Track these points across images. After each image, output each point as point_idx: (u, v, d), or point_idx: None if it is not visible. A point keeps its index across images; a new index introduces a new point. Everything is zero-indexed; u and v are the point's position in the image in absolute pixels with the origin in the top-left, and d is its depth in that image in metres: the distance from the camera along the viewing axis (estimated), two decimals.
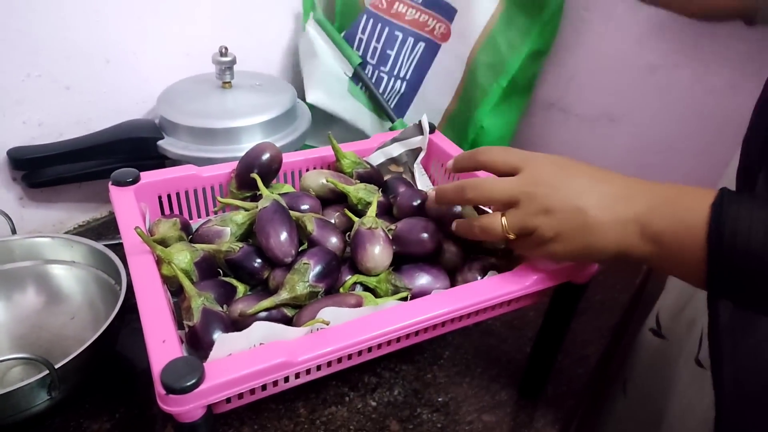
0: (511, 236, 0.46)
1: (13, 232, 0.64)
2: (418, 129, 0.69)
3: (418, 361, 0.65)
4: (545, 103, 0.96)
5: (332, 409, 0.59)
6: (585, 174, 0.45)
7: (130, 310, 0.56)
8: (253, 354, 0.40)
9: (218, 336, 0.40)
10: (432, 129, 0.70)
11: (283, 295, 0.48)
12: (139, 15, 0.78)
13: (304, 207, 0.58)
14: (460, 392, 0.62)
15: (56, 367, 0.48)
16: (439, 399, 0.61)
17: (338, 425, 0.57)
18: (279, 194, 0.57)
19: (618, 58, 0.85)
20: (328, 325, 0.43)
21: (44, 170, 0.73)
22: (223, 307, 0.48)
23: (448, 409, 0.60)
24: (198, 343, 0.44)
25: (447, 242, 0.56)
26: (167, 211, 0.61)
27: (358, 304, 0.48)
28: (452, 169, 0.53)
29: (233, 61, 0.78)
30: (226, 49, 0.76)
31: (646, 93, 0.85)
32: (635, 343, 0.78)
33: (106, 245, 0.63)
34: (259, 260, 0.53)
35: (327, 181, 0.61)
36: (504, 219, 0.46)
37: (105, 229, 0.81)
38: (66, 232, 0.79)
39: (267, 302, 0.48)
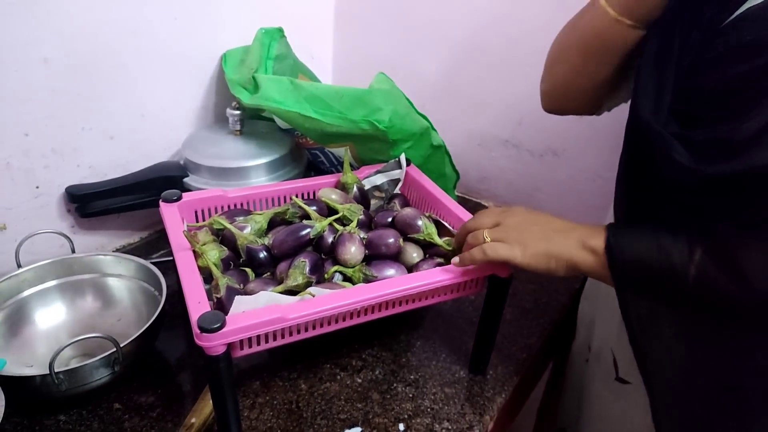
0: (488, 240, 0.63)
1: (72, 251, 0.81)
2: (398, 163, 0.88)
3: (395, 348, 0.81)
4: (500, 139, 1.15)
5: (327, 385, 0.75)
6: (541, 215, 0.66)
7: (168, 314, 0.74)
8: (259, 311, 0.57)
9: (236, 298, 0.57)
10: (408, 163, 0.88)
11: (289, 282, 0.66)
12: (166, 78, 0.96)
13: (313, 208, 0.76)
14: (428, 371, 0.78)
15: (121, 345, 0.64)
16: (411, 377, 0.77)
17: (332, 396, 0.73)
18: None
19: None
20: (313, 296, 0.60)
21: (92, 203, 0.90)
22: (240, 286, 0.65)
23: (418, 384, 0.76)
24: (223, 309, 0.61)
25: (409, 246, 0.74)
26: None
27: None
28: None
29: (243, 114, 0.96)
30: (237, 104, 0.95)
31: (580, 131, 1.04)
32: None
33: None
34: (269, 256, 0.71)
35: (323, 200, 0.79)
36: (486, 231, 0.64)
37: (137, 252, 0.98)
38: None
39: (279, 288, 0.65)
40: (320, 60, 1.29)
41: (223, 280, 0.63)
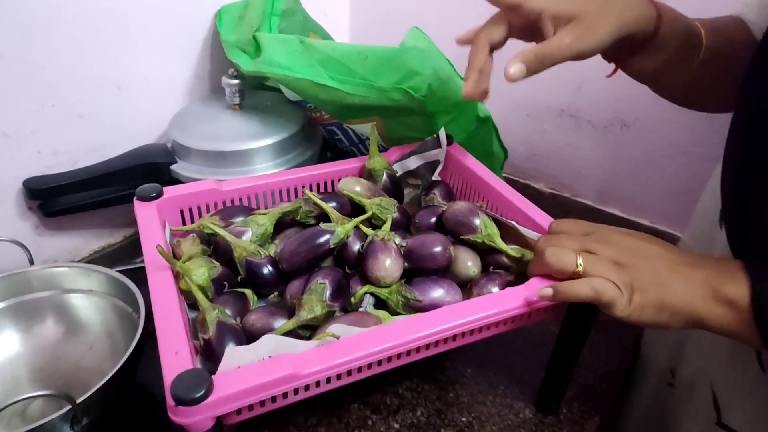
0: (581, 267, 0.46)
1: (31, 263, 0.64)
2: (436, 142, 0.69)
3: (440, 380, 0.64)
4: (555, 109, 0.95)
5: None
6: (649, 240, 0.48)
7: (148, 338, 0.57)
8: (261, 367, 0.40)
9: (228, 349, 0.40)
10: (450, 141, 0.69)
11: (303, 315, 0.48)
12: (148, 40, 0.78)
13: (332, 204, 0.59)
14: (484, 411, 0.61)
15: (78, 401, 0.47)
16: (463, 419, 0.60)
17: None
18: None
19: None
20: (338, 339, 0.43)
21: (59, 199, 0.73)
22: (236, 320, 0.48)
23: (472, 428, 0.59)
24: (212, 355, 0.45)
25: (463, 251, 0.56)
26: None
27: (378, 324, 0.48)
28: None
29: (243, 84, 0.78)
30: (235, 71, 0.76)
31: (658, 98, 0.84)
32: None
33: (123, 270, 0.63)
34: (275, 272, 0.54)
35: (345, 193, 0.61)
36: (580, 258, 0.46)
37: (120, 255, 0.82)
38: (82, 259, 0.79)
39: (289, 324, 0.48)
40: (335, 18, 1.09)
41: (213, 314, 0.46)
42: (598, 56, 0.87)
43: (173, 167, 0.74)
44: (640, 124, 0.88)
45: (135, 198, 0.58)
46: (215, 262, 0.53)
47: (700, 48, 0.54)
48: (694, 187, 0.86)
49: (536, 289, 0.48)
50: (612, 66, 0.59)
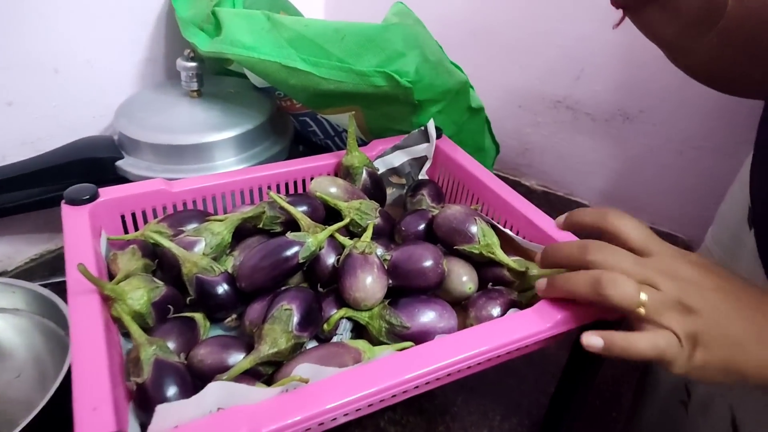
0: (644, 299, 0.37)
1: None
2: (424, 135, 0.60)
3: (428, 410, 0.55)
4: (551, 100, 0.87)
5: None
6: (711, 269, 0.39)
7: None
8: (206, 425, 0.31)
9: (159, 408, 0.31)
10: (439, 134, 0.61)
11: (264, 350, 0.39)
12: (91, 18, 0.67)
13: (302, 208, 0.50)
14: None
15: None
16: None
17: None
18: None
19: (633, 48, 0.77)
20: (306, 383, 0.34)
21: None
22: (180, 356, 0.39)
23: None
24: (148, 403, 0.35)
25: (456, 264, 0.48)
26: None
27: (357, 362, 0.39)
28: (565, 223, 0.45)
29: (202, 67, 0.68)
30: (192, 51, 0.66)
31: (665, 87, 0.77)
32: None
33: (57, 283, 0.53)
34: (232, 292, 0.44)
35: (318, 195, 0.52)
36: (643, 294, 0.36)
37: (60, 262, 0.71)
38: (14, 269, 0.69)
39: (246, 362, 0.38)
40: None
41: (149, 351, 0.36)
42: (599, 41, 0.79)
43: (119, 163, 0.64)
44: (645, 117, 0.80)
45: (63, 201, 0.48)
46: (157, 281, 0.43)
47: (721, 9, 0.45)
48: (704, 185, 0.79)
49: (550, 312, 0.40)
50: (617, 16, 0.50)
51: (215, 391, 0.33)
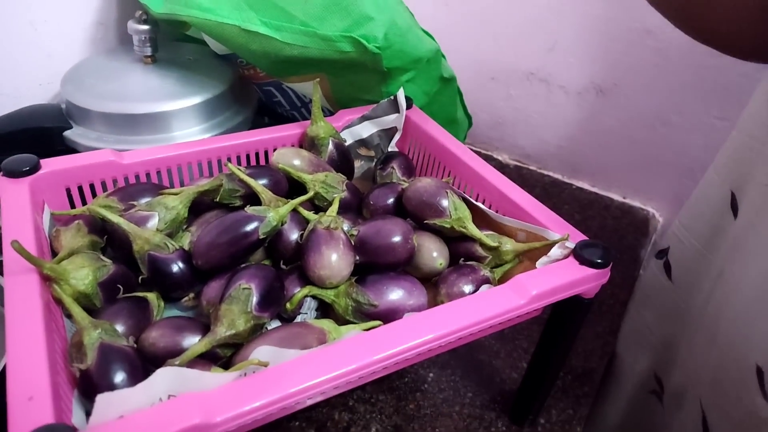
0: None
1: None
2: (393, 105, 0.57)
3: (398, 388, 0.54)
4: (524, 72, 0.85)
5: None
6: None
7: None
8: (154, 414, 0.28)
9: (99, 397, 0.28)
10: (409, 105, 0.58)
11: (221, 332, 0.36)
12: None
13: (263, 181, 0.47)
14: (449, 425, 0.51)
15: None
16: None
17: None
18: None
19: (608, 19, 0.75)
20: (265, 366, 0.31)
21: None
22: (129, 339, 0.36)
23: None
24: (94, 392, 0.32)
25: (427, 239, 0.46)
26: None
27: (321, 343, 0.37)
28: None
29: (156, 31, 0.63)
30: (144, 13, 0.62)
31: (640, 60, 0.75)
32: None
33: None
34: (188, 270, 0.42)
35: (281, 166, 0.49)
36: None
37: None
38: None
39: (200, 346, 0.36)
40: None
41: (93, 335, 0.34)
42: (573, 12, 0.77)
43: (67, 134, 0.60)
44: (619, 90, 0.79)
45: (0, 173, 0.44)
46: (105, 259, 0.40)
47: None
48: (675, 161, 0.79)
49: (525, 288, 0.38)
50: None
51: (165, 377, 0.30)
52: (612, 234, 0.79)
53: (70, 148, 0.60)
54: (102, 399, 0.28)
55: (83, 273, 0.38)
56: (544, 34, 0.80)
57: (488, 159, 0.95)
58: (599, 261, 0.40)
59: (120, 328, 0.37)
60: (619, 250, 0.76)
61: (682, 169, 0.78)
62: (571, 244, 0.42)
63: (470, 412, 0.52)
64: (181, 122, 0.61)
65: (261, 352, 0.32)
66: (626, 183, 0.85)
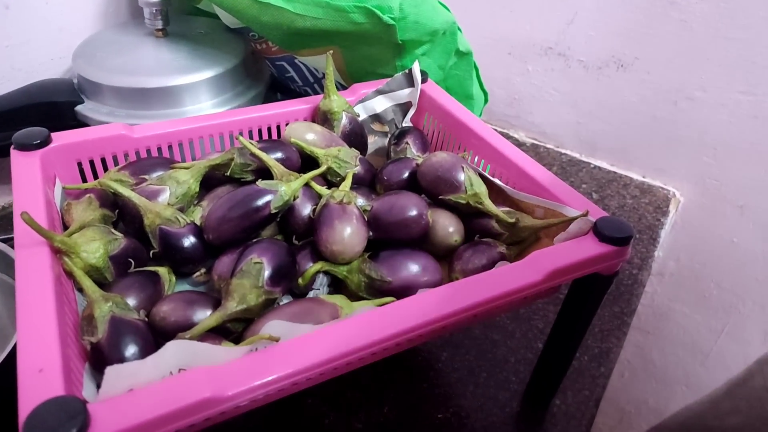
0: None
1: None
2: (408, 79, 0.56)
3: (411, 367, 0.53)
4: (542, 46, 0.83)
5: None
6: None
7: None
8: (164, 389, 0.28)
9: (109, 369, 0.28)
10: (424, 79, 0.57)
11: (231, 306, 0.36)
12: None
13: (276, 155, 0.46)
14: (464, 404, 0.51)
15: None
16: (439, 415, 0.50)
17: None
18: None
19: None
20: (277, 342, 0.31)
21: None
22: (140, 313, 0.35)
23: (451, 429, 0.49)
24: (105, 365, 0.32)
25: (442, 215, 0.45)
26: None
27: (334, 317, 0.36)
28: None
29: (167, 4, 0.62)
30: None
31: (663, 33, 0.73)
32: None
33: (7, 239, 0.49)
34: (199, 244, 0.41)
35: (293, 141, 0.48)
36: None
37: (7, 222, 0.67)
38: None
39: (211, 320, 0.35)
40: None
41: (104, 307, 0.33)
42: None
43: (79, 108, 0.59)
44: (640, 64, 0.76)
45: (12, 146, 0.44)
46: (116, 233, 0.40)
47: None
48: (694, 138, 0.76)
49: (542, 264, 0.37)
50: None
51: (175, 350, 0.30)
52: (631, 213, 0.77)
53: (81, 123, 0.60)
54: (111, 371, 0.27)
55: (94, 246, 0.38)
56: (564, 6, 0.78)
57: (504, 137, 0.93)
58: (620, 237, 0.39)
59: (131, 301, 0.37)
60: (638, 229, 0.74)
61: (704, 147, 0.76)
62: (590, 220, 0.40)
63: (484, 393, 0.52)
64: (192, 96, 0.60)
65: (272, 326, 0.32)
66: (646, 162, 0.83)
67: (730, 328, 0.86)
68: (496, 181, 0.47)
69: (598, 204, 0.77)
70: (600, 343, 0.58)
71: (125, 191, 0.41)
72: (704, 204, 0.80)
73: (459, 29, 0.64)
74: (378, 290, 0.40)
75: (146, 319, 0.36)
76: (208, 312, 0.37)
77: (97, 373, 0.33)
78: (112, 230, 0.40)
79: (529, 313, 0.60)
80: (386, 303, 0.37)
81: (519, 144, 0.92)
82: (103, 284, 0.38)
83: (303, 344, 0.31)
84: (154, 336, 0.35)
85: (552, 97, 0.86)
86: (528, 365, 0.54)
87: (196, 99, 0.61)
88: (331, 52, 0.52)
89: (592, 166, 0.87)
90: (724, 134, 0.73)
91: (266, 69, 0.72)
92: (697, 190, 0.79)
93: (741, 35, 0.67)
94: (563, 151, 0.90)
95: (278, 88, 0.78)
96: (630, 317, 0.62)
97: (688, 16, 0.69)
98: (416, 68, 0.56)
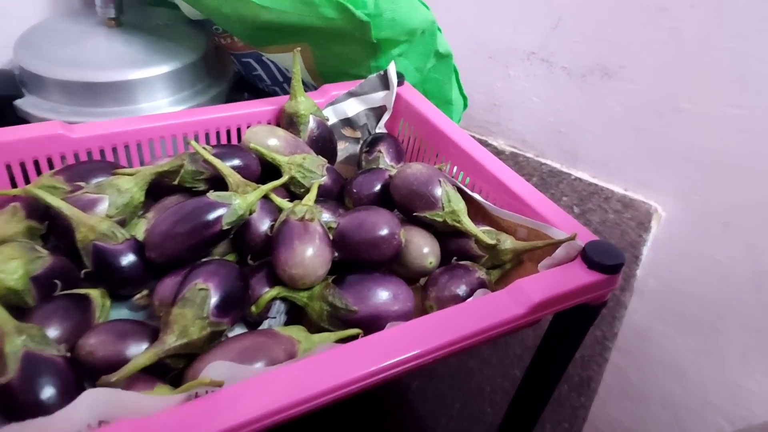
0: None
1: None
2: (383, 81, 0.52)
3: (380, 398, 0.49)
4: (524, 51, 0.79)
5: None
6: None
7: None
8: None
9: (8, 429, 0.23)
10: (401, 81, 0.52)
11: (170, 340, 0.31)
12: None
13: (232, 163, 0.41)
14: None
15: None
16: None
17: None
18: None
19: None
20: (220, 386, 0.26)
21: None
22: (60, 348, 0.30)
23: None
24: (16, 408, 0.27)
25: (416, 234, 0.40)
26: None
27: (290, 356, 0.32)
28: None
29: None
30: None
31: (650, 41, 0.70)
32: None
33: None
34: (141, 264, 0.36)
35: (252, 146, 0.43)
36: None
37: None
38: None
39: (143, 358, 0.30)
40: None
41: (17, 342, 0.28)
42: None
43: (18, 102, 0.54)
44: (625, 73, 0.73)
45: None
46: (41, 250, 0.35)
47: None
48: (680, 151, 0.73)
49: (526, 295, 0.33)
50: None
51: (93, 399, 0.25)
52: (613, 229, 0.74)
53: (21, 120, 0.54)
54: (8, 430, 0.22)
55: (13, 266, 0.32)
56: (548, 9, 0.74)
57: (483, 145, 0.89)
58: (610, 265, 0.35)
59: (53, 332, 0.31)
60: (620, 247, 0.71)
61: (690, 161, 0.73)
62: (579, 245, 0.36)
63: (457, 426, 0.48)
64: (146, 93, 0.55)
65: (215, 367, 0.27)
66: (629, 174, 0.79)
67: (710, 348, 0.84)
68: (476, 196, 0.43)
69: (580, 219, 0.74)
70: (581, 370, 0.55)
71: (54, 200, 0.35)
72: (687, 220, 0.77)
73: (439, 29, 0.60)
74: (342, 320, 0.35)
75: (69, 354, 0.31)
76: (144, 346, 0.32)
77: (5, 418, 0.28)
78: (36, 246, 0.35)
79: (506, 339, 0.56)
80: (350, 337, 0.33)
81: (498, 152, 0.88)
82: (23, 310, 0.33)
83: (251, 390, 0.27)
84: (79, 374, 0.30)
85: (533, 104, 0.82)
86: (504, 395, 0.51)
87: (151, 96, 0.55)
88: (299, 49, 0.47)
89: (573, 177, 0.84)
90: (711, 148, 0.71)
91: (230, 66, 0.67)
92: (680, 205, 0.77)
93: (733, 45, 0.64)
94: (543, 161, 0.86)
95: (245, 87, 0.73)
96: (612, 341, 0.59)
97: (678, 24, 0.66)
98: (392, 70, 0.51)
